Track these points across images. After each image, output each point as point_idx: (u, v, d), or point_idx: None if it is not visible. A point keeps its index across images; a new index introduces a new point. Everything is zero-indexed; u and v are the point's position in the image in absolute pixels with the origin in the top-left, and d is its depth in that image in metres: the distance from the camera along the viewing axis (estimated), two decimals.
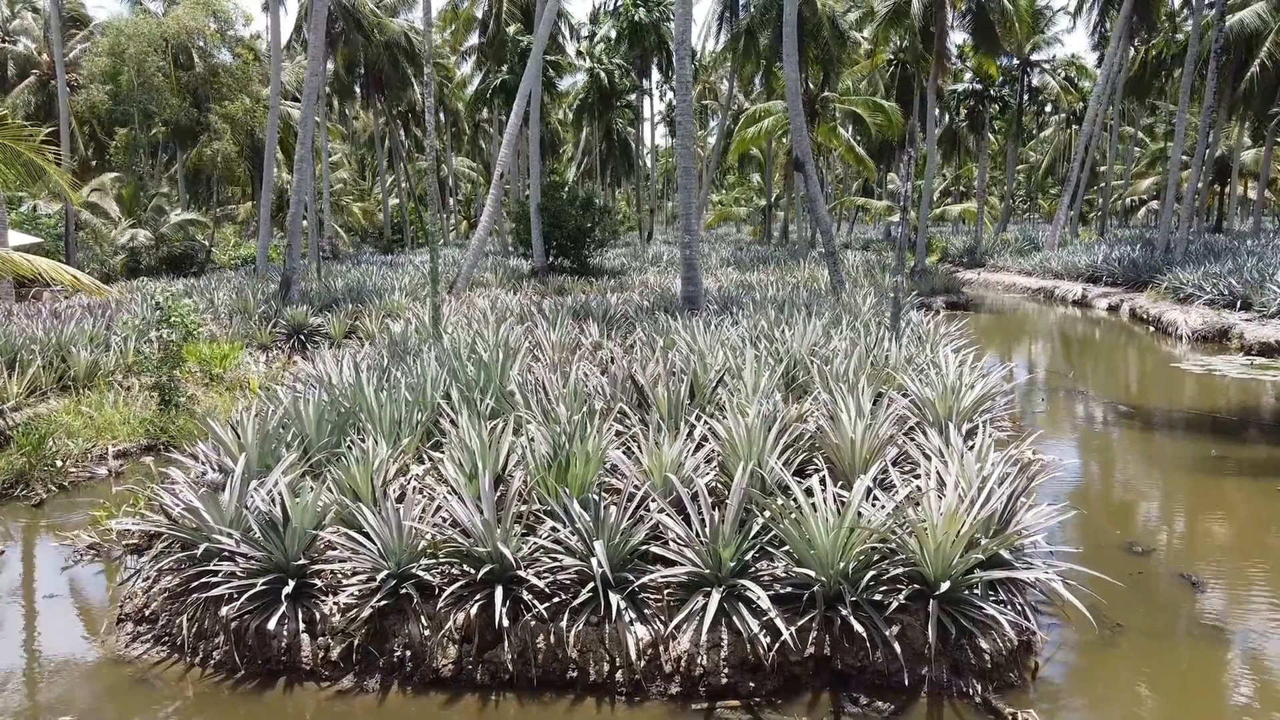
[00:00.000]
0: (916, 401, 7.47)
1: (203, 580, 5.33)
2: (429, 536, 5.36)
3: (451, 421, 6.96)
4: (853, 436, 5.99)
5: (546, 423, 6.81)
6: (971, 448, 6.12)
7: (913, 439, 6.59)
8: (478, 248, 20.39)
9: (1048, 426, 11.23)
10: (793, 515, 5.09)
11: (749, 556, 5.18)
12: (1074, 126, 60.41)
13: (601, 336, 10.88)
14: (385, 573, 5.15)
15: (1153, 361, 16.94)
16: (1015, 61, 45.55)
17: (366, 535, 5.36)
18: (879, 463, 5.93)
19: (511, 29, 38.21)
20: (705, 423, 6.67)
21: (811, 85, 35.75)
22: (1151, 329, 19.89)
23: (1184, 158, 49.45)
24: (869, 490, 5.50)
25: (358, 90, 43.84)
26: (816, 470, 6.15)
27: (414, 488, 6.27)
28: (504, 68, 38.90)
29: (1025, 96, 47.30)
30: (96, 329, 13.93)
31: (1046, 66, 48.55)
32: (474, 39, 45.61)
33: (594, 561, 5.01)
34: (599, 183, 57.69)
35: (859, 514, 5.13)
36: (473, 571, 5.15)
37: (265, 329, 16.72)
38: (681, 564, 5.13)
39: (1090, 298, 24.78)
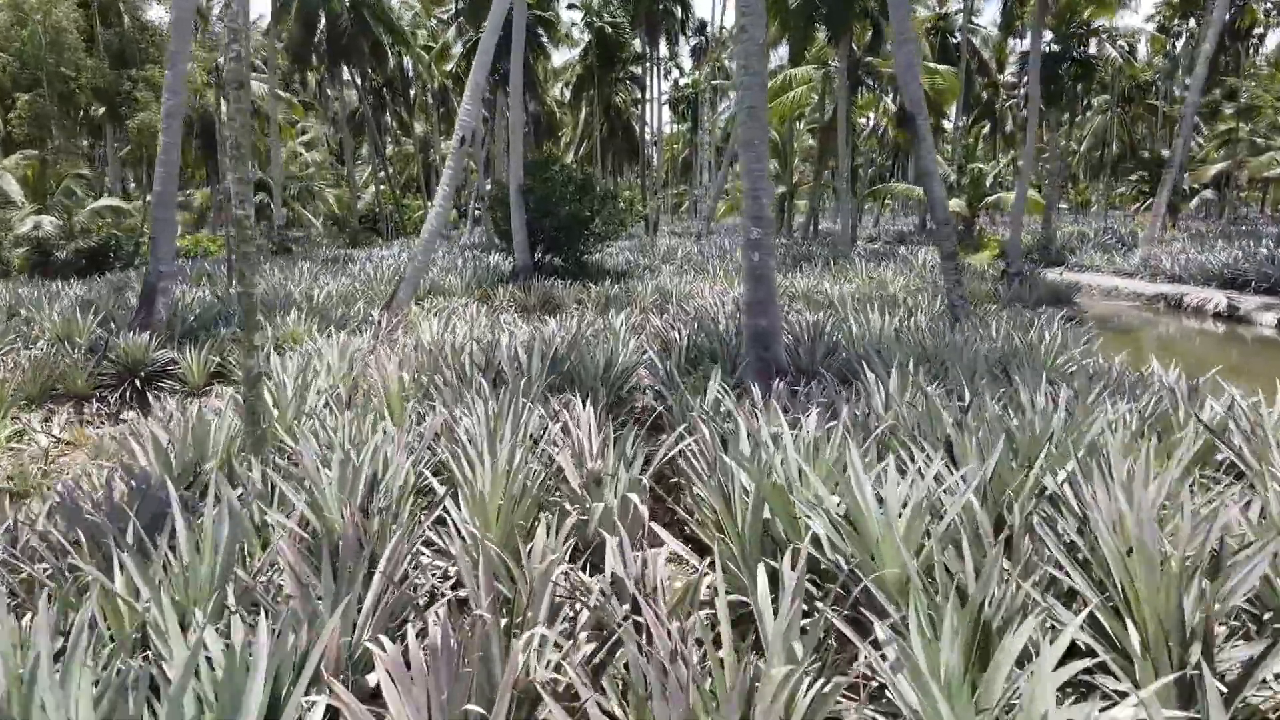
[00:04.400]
0: None
1: None
2: None
3: None
4: None
5: None
6: None
7: None
8: (427, 244, 14.48)
9: None
10: None
11: None
12: (1120, 106, 54.29)
13: (601, 451, 4.99)
14: None
15: None
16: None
17: None
18: None
19: None
20: None
21: (855, 47, 29.77)
22: None
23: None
24: None
25: (323, 58, 37.68)
26: None
27: None
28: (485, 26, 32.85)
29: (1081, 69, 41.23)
30: None
31: (1104, 35, 42.52)
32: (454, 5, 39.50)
33: None
34: (599, 169, 51.68)
35: None
36: None
37: (87, 369, 10.80)
38: None
39: (1246, 310, 18.83)
